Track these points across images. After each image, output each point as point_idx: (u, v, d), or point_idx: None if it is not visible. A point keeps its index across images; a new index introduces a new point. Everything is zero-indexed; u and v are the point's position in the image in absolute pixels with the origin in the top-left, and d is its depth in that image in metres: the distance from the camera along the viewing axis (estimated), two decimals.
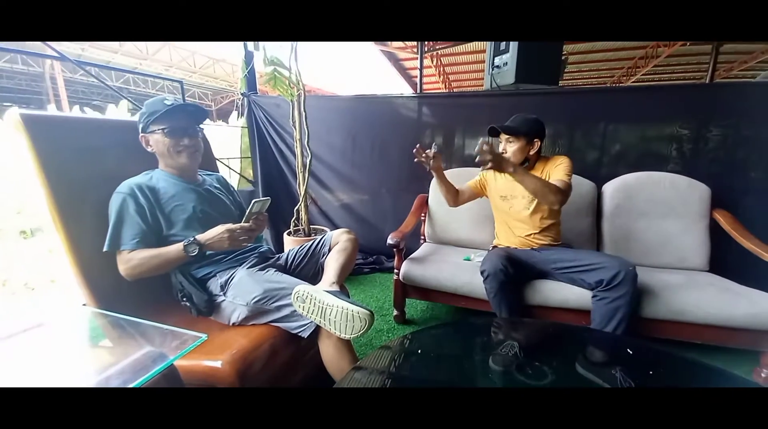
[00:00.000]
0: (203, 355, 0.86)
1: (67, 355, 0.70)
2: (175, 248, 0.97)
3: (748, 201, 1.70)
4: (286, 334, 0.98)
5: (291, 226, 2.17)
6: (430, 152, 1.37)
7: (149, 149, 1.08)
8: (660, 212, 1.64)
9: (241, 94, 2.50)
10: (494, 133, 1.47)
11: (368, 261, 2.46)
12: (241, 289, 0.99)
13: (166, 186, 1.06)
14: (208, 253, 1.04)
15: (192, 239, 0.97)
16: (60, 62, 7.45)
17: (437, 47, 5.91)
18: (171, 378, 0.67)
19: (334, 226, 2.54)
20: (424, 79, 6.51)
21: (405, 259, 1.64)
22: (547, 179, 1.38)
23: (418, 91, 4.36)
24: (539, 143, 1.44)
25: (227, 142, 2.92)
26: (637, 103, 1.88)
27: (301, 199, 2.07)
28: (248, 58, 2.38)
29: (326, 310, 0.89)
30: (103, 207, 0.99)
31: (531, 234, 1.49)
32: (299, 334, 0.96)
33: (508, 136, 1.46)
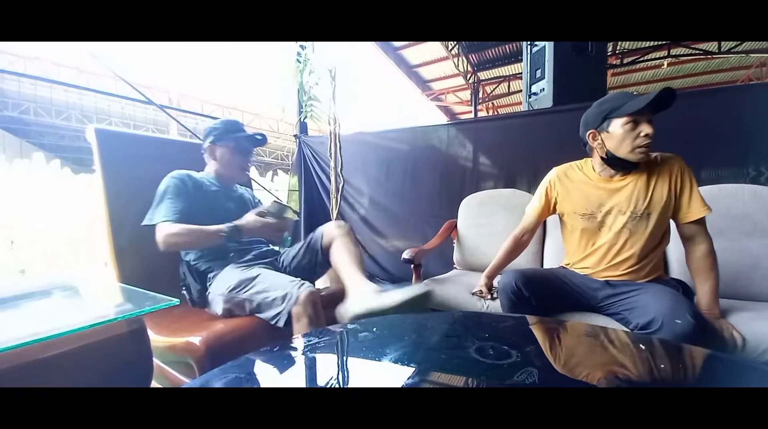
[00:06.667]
0: (188, 333, 0.91)
1: (67, 307, 0.81)
2: (215, 227, 1.07)
3: None
4: (270, 327, 0.98)
5: None
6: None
7: (206, 156, 1.28)
8: (741, 229, 1.30)
9: (294, 136, 2.85)
10: (656, 106, 0.98)
11: None
12: (221, 280, 1.06)
13: (205, 183, 1.23)
14: (213, 248, 1.14)
15: (232, 224, 1.09)
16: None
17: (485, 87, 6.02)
18: (138, 333, 0.73)
19: (369, 256, 2.56)
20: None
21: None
22: (674, 200, 1.06)
23: None
24: None
25: None
26: (696, 108, 1.64)
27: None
28: (300, 106, 2.76)
29: None
30: (143, 206, 1.16)
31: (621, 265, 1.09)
32: (276, 324, 0.95)
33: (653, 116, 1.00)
